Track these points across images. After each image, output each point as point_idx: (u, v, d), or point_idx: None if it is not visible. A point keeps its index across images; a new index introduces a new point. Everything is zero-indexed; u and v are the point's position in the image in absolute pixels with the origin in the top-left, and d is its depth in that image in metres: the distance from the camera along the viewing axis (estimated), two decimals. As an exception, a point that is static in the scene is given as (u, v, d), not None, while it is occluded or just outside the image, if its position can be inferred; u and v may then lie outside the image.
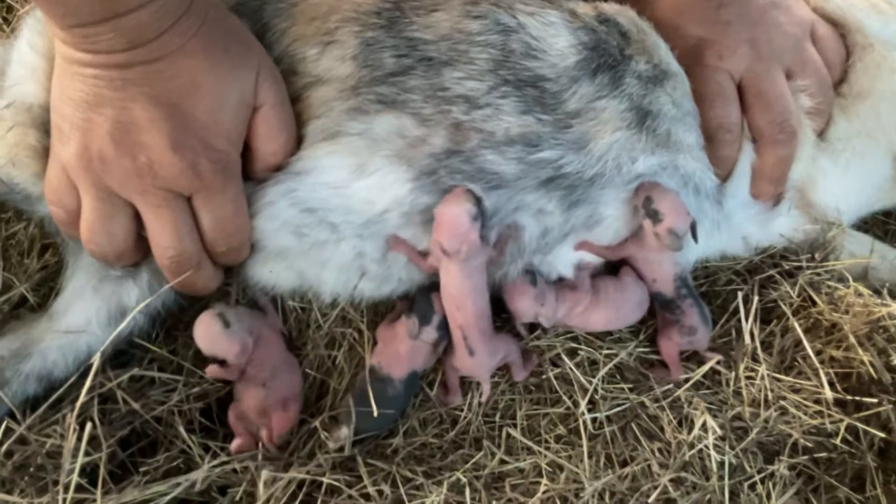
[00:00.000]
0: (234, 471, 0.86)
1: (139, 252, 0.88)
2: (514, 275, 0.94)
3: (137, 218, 0.85)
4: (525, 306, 0.93)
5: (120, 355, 0.94)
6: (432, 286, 0.93)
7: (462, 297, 0.89)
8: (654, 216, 0.92)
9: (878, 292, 0.99)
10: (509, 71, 0.91)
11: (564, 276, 0.97)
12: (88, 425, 0.81)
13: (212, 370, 0.90)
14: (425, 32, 0.92)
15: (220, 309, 0.90)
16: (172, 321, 0.98)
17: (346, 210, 0.89)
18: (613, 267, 1.00)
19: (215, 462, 0.85)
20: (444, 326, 0.92)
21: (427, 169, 0.88)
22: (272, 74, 0.87)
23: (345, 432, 0.88)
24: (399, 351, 0.92)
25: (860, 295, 0.94)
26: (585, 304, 0.95)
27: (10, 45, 0.94)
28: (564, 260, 0.97)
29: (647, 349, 0.99)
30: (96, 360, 0.84)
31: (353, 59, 0.91)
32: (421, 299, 0.93)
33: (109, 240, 0.85)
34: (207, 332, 0.89)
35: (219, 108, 0.82)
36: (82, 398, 0.82)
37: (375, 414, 0.88)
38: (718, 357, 0.96)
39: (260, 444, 0.88)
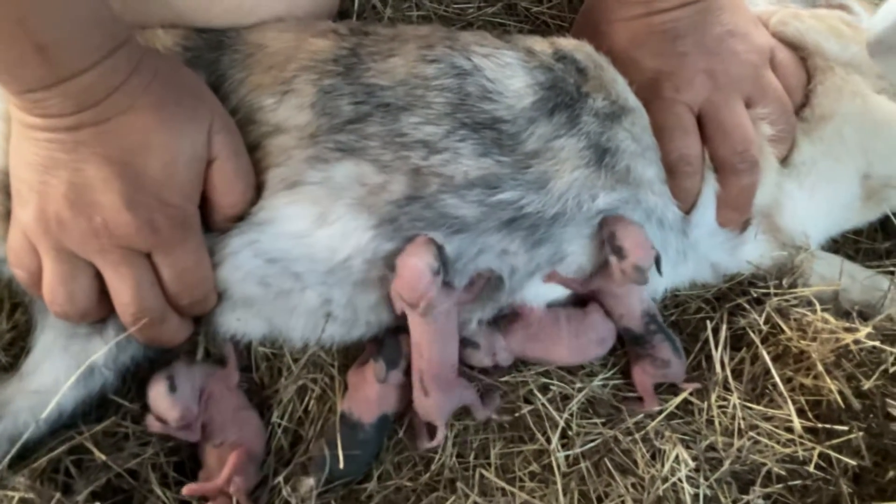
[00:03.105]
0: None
1: (103, 309, 0.88)
2: (486, 318, 0.95)
3: (99, 276, 0.85)
4: (484, 362, 0.95)
5: (98, 408, 0.94)
6: (401, 329, 0.93)
7: (424, 344, 0.89)
8: (619, 253, 0.92)
9: (848, 314, 0.99)
10: (466, 114, 0.91)
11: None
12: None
13: (150, 423, 0.91)
14: (382, 78, 0.92)
15: (174, 371, 0.91)
16: (144, 375, 0.97)
17: (310, 259, 0.89)
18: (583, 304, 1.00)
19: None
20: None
21: (388, 216, 0.88)
22: (226, 126, 0.87)
23: (310, 482, 0.88)
24: (368, 395, 0.92)
25: (827, 322, 0.94)
26: (536, 325, 0.95)
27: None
28: (534, 296, 0.97)
29: (619, 381, 0.99)
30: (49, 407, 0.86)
31: (310, 107, 0.91)
32: (389, 343, 0.93)
33: (71, 299, 0.85)
34: (154, 393, 0.90)
35: (172, 164, 0.82)
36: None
37: (342, 464, 0.88)
38: (695, 386, 0.96)
39: (234, 501, 0.88)
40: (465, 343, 0.94)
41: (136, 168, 0.81)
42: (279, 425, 0.95)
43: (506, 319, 0.96)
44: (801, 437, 0.91)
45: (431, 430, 0.94)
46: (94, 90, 0.77)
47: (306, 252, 0.89)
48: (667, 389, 0.98)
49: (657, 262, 0.93)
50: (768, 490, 0.91)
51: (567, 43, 1.00)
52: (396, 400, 0.93)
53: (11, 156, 0.84)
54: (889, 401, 0.91)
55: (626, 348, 0.99)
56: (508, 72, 0.94)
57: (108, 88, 0.78)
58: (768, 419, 0.93)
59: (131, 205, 0.80)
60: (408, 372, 0.93)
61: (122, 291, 0.85)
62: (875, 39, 0.92)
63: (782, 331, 0.96)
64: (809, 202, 1.03)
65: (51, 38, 0.73)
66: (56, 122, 0.78)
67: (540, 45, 0.99)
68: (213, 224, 0.90)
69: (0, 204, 0.89)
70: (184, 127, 0.83)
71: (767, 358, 0.94)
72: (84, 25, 0.76)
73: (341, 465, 0.88)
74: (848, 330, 0.94)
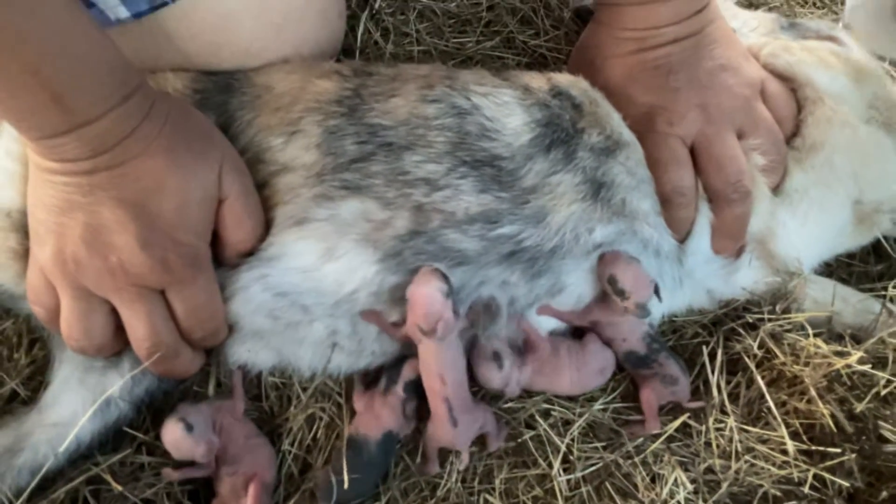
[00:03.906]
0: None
1: (118, 343, 0.91)
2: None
3: (114, 312, 0.88)
4: (494, 383, 0.96)
5: (114, 439, 0.96)
6: (407, 356, 0.97)
7: (446, 370, 0.92)
8: (622, 294, 0.95)
9: (840, 337, 1.01)
10: (466, 152, 0.94)
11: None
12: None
13: (167, 473, 0.92)
14: (384, 118, 0.95)
15: (183, 413, 0.92)
16: (160, 405, 1.00)
17: (317, 292, 0.92)
18: (580, 333, 1.02)
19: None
20: (410, 389, 0.95)
21: (392, 251, 0.91)
22: (236, 166, 0.90)
23: None
24: (376, 413, 0.95)
25: (819, 347, 0.97)
26: (544, 359, 0.97)
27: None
28: (535, 326, 0.99)
29: (619, 405, 1.01)
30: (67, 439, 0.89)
31: (316, 147, 0.94)
32: (393, 363, 0.97)
33: (87, 335, 0.88)
34: (173, 438, 0.91)
35: (184, 205, 0.85)
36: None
37: (346, 485, 0.90)
38: (700, 405, 0.99)
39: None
40: (495, 357, 0.96)
41: (150, 210, 0.84)
42: (289, 453, 0.97)
43: (518, 352, 0.98)
44: (795, 459, 0.93)
45: (442, 456, 0.96)
46: (109, 136, 0.81)
47: (314, 286, 0.92)
48: (666, 413, 1.00)
49: (656, 290, 0.96)
50: (765, 511, 0.93)
51: (563, 79, 1.03)
52: (399, 417, 0.95)
53: (29, 197, 0.87)
54: (881, 423, 0.93)
55: (632, 373, 1.01)
56: (506, 110, 0.97)
57: (121, 134, 0.81)
58: (764, 442, 0.95)
59: (146, 245, 0.83)
60: (406, 390, 0.95)
61: (137, 327, 0.88)
62: (852, 5, 0.94)
63: (776, 356, 0.98)
64: (802, 229, 1.05)
65: (66, 88, 0.77)
66: (72, 167, 0.81)
67: (537, 81, 1.02)
68: (223, 260, 0.93)
69: (18, 243, 0.93)
70: (195, 169, 0.86)
71: (762, 382, 0.97)
72: (98, 74, 0.79)
73: (346, 485, 0.89)
74: (839, 354, 0.96)
